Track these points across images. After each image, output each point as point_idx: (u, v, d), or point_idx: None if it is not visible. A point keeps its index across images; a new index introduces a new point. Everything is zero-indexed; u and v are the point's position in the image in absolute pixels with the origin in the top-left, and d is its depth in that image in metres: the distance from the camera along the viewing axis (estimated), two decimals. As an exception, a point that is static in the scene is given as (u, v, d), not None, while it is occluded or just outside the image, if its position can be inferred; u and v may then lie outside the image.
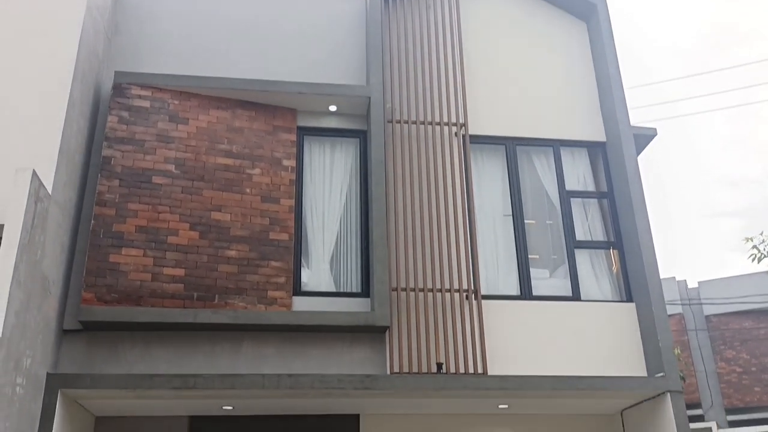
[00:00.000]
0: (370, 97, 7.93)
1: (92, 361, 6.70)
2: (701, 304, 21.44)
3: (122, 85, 7.34)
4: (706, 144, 66.26)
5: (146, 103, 7.32)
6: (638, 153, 8.89)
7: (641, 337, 7.76)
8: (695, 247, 62.07)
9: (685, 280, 23.05)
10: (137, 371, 6.68)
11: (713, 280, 22.46)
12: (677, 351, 19.19)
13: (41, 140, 6.26)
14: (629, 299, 8.02)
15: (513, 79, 8.84)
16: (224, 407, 7.42)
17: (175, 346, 6.86)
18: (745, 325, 21.74)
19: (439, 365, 7.16)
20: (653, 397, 7.46)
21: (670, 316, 21.63)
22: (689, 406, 19.79)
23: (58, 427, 6.30)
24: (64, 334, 6.72)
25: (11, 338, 5.47)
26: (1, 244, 5.52)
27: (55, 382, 6.34)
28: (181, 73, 7.74)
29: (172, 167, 7.19)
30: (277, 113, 7.80)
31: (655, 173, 60.51)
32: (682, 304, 21.56)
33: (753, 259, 13.24)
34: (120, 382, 6.49)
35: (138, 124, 7.24)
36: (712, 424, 20.02)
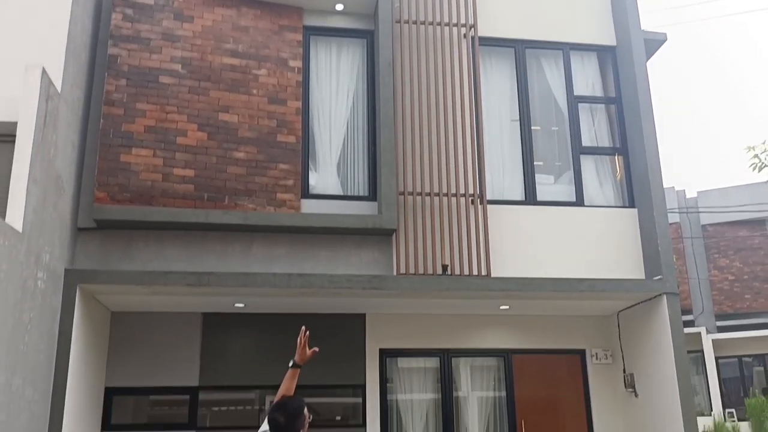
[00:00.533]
0: (378, -4, 7.76)
1: (107, 258, 6.90)
2: (698, 212, 21.72)
3: (125, -20, 7.16)
4: (718, 49, 64.80)
5: (150, 1, 7.16)
6: (648, 58, 8.78)
7: (641, 242, 7.96)
8: (700, 157, 61.96)
9: (684, 190, 23.29)
10: (151, 268, 6.88)
11: (711, 190, 22.68)
12: (673, 258, 19.69)
13: (48, 39, 6.19)
14: (631, 205, 8.16)
15: (524, -21, 8.63)
16: (236, 305, 7.70)
17: (188, 245, 7.04)
18: (740, 234, 22.13)
19: (444, 267, 7.37)
20: (650, 299, 7.74)
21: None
22: (681, 312, 20.52)
23: (77, 320, 6.56)
24: (78, 231, 6.88)
25: (31, 234, 5.63)
26: (16, 142, 5.57)
27: (73, 278, 6.56)
28: (184, -31, 7.54)
29: (178, 67, 7.12)
30: (282, 12, 7.64)
31: (665, 79, 59.56)
32: (680, 213, 21.85)
33: (754, 168, 13.35)
34: (135, 279, 6.70)
35: (143, 22, 7.12)
36: (702, 329, 20.74)
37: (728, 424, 5.16)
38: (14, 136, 5.73)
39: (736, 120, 64.88)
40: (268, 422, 3.79)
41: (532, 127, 8.37)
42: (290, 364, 4.37)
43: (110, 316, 7.81)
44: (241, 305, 7.73)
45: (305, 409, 3.89)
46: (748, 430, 5.96)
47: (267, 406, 8.11)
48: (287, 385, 4.28)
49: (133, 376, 7.71)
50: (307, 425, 3.84)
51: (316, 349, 4.38)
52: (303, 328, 4.37)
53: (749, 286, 21.82)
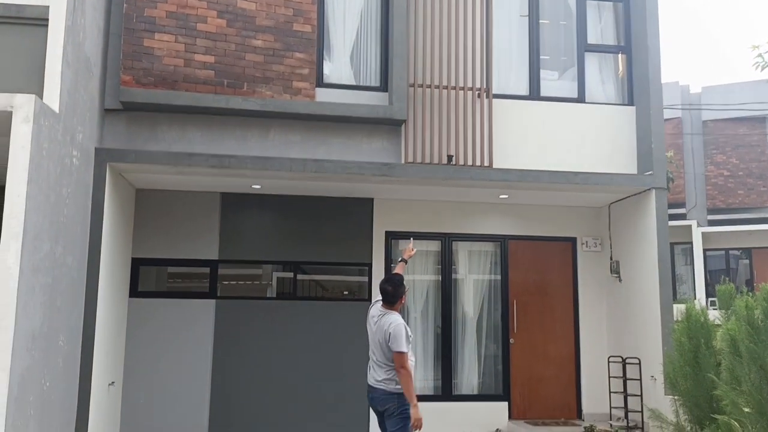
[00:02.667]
0: None
1: (133, 139, 7.32)
2: (700, 109, 21.83)
3: None
4: (738, -61, 61.95)
5: None
6: (661, -44, 8.81)
7: (636, 139, 8.37)
8: (708, 54, 60.78)
9: (688, 85, 23.20)
10: (176, 149, 7.32)
11: (716, 86, 22.61)
12: (671, 153, 20.05)
13: None
14: (630, 102, 8.51)
15: None
16: (253, 186, 8.22)
17: (209, 129, 7.44)
18: (740, 131, 22.31)
19: (450, 157, 7.82)
20: (639, 193, 8.26)
21: (669, 120, 22.23)
22: (674, 206, 21.13)
23: (107, 195, 7.09)
24: (106, 113, 7.26)
25: (66, 114, 6.03)
26: (49, 26, 5.84)
27: (103, 156, 7.02)
28: None
29: (198, -47, 7.23)
30: None
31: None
32: (682, 109, 21.95)
33: (757, 67, 13.44)
34: (161, 159, 7.17)
35: None
36: (693, 222, 21.42)
37: (698, 307, 5.75)
38: (45, 19, 5.99)
39: (744, 21, 63.06)
40: (380, 291, 5.58)
41: (541, 19, 8.54)
42: (399, 259, 6.33)
43: (135, 193, 8.36)
44: (258, 186, 8.25)
45: (404, 281, 5.64)
46: (716, 314, 6.62)
47: (275, 281, 8.85)
48: (397, 271, 6.05)
49: (158, 248, 8.37)
50: (405, 293, 5.62)
51: (416, 249, 6.46)
52: (411, 239, 6.53)
53: (743, 182, 22.21)
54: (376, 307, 5.61)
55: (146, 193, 8.40)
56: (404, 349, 5.24)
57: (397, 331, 5.27)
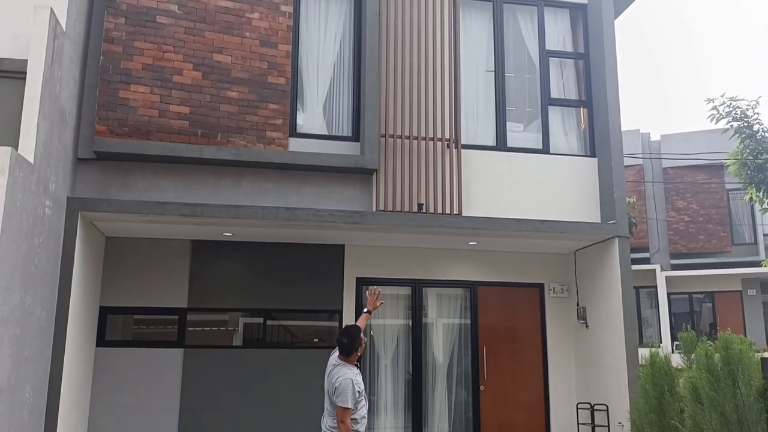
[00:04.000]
0: (367, -54, 8.05)
1: (106, 188, 7.35)
2: (660, 158, 22.53)
3: None
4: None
5: (148, -59, 7.38)
6: (618, 15, 9.29)
7: (599, 189, 8.67)
8: (667, 103, 62.96)
9: (649, 133, 23.99)
10: (148, 198, 7.36)
11: (675, 134, 23.43)
12: (633, 199, 20.59)
13: (52, -23, 6.43)
14: (593, 154, 8.83)
15: (504, -64, 8.98)
16: (224, 234, 8.27)
17: (182, 178, 7.51)
18: (699, 178, 23.04)
19: (420, 205, 8.00)
20: (603, 241, 8.52)
21: (631, 167, 22.84)
22: (638, 250, 21.63)
23: (78, 244, 7.07)
24: (79, 162, 7.30)
25: (40, 165, 6.08)
26: (27, 79, 5.93)
27: (75, 205, 7.03)
28: None
29: (175, 7, 7.42)
30: (275, -43, 7.91)
31: (648, 29, 59.72)
32: (643, 157, 22.64)
33: (712, 120, 14.10)
34: (134, 208, 7.20)
35: (141, -38, 7.35)
36: (656, 267, 21.90)
37: (661, 354, 5.90)
38: (23, 72, 6.08)
39: (703, 72, 65.71)
40: (336, 342, 5.66)
41: (506, 73, 8.87)
42: (364, 310, 6.31)
43: (105, 241, 8.34)
44: (229, 234, 8.30)
45: (361, 333, 5.68)
46: (679, 360, 6.81)
47: (241, 327, 8.81)
48: (360, 324, 6.07)
49: (126, 297, 8.31)
50: (363, 344, 5.66)
51: (383, 301, 6.44)
52: (375, 288, 6.37)
53: (704, 228, 22.83)
54: (334, 356, 5.70)
55: (116, 241, 8.39)
56: (347, 405, 5.32)
57: (344, 386, 5.37)
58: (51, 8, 5.99)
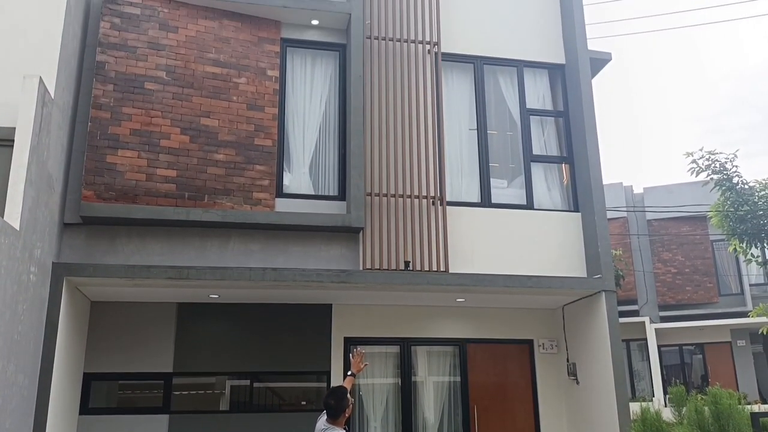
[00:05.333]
0: (350, 14, 8.33)
1: (92, 252, 7.33)
2: (644, 210, 22.79)
3: (113, -9, 7.56)
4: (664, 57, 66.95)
5: (137, 11, 7.58)
6: (595, 74, 9.57)
7: (584, 243, 8.74)
8: (651, 153, 64.16)
9: (632, 186, 24.32)
10: (134, 262, 7.35)
11: (657, 187, 23.76)
12: (619, 252, 20.73)
13: (42, 47, 6.57)
14: (576, 209, 8.94)
15: (484, 3, 9.31)
16: (211, 296, 8.23)
17: (169, 240, 7.51)
18: (683, 230, 23.27)
19: (407, 263, 8.03)
20: (590, 295, 8.55)
21: (615, 219, 22.96)
22: (626, 302, 21.64)
23: (62, 310, 7.00)
24: (65, 227, 7.30)
25: (26, 231, 6.07)
26: (14, 147, 5.98)
27: (60, 271, 6.99)
28: (169, -18, 7.96)
29: (163, 74, 7.57)
30: (262, 25, 8.14)
31: (625, 85, 61.40)
32: (627, 211, 22.89)
33: (692, 173, 14.39)
34: (119, 272, 7.17)
35: (130, 31, 7.54)
36: (646, 319, 21.89)
37: (654, 409, 5.84)
38: (10, 140, 6.14)
39: (680, 125, 67.38)
40: (323, 404, 5.52)
41: (489, 131, 9.05)
42: (348, 373, 6.27)
43: (90, 306, 8.26)
44: (215, 296, 8.26)
45: (348, 394, 5.60)
46: (670, 415, 6.75)
47: (228, 391, 8.67)
48: (344, 385, 6.00)
49: (110, 362, 8.18)
50: (350, 405, 5.57)
51: (368, 363, 6.45)
52: (359, 349, 6.39)
53: (690, 279, 22.93)
54: (322, 420, 5.60)
55: (101, 305, 8.31)
56: None
57: None
58: (40, 77, 6.10)
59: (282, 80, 8.31)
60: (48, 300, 6.89)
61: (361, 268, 7.92)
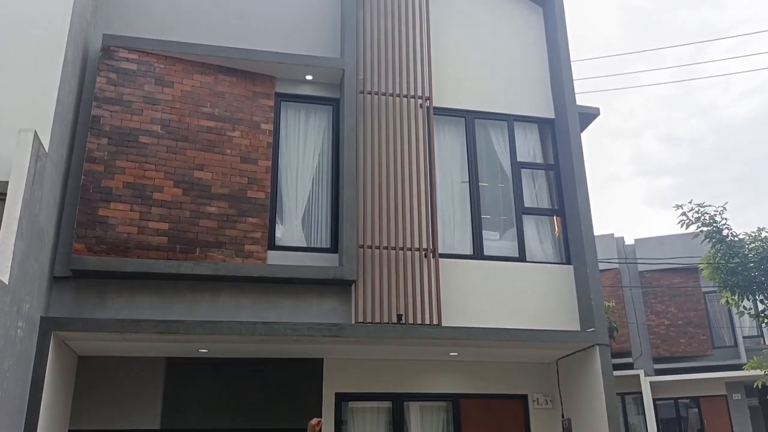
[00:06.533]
0: (344, 69, 8.48)
1: (81, 306, 7.25)
2: (636, 262, 22.85)
3: (111, 47, 7.69)
4: (651, 102, 68.28)
5: (133, 66, 7.71)
6: (584, 128, 9.73)
7: (577, 296, 8.73)
8: (635, 204, 64.71)
9: (623, 237, 24.43)
10: (123, 316, 7.25)
11: (648, 238, 23.88)
12: (612, 304, 20.68)
13: (38, 102, 6.64)
14: (568, 262, 8.96)
15: (475, 59, 9.53)
16: (200, 350, 8.10)
17: (159, 294, 7.45)
18: (675, 281, 23.30)
19: (399, 316, 7.97)
20: (584, 349, 8.48)
21: (608, 270, 23.01)
22: (621, 355, 21.47)
23: (49, 366, 6.86)
24: (54, 280, 7.23)
25: (15, 286, 6.00)
26: (6, 200, 5.97)
27: (48, 325, 6.88)
28: (165, 38, 8.12)
29: (158, 127, 7.64)
30: (256, 79, 8.28)
31: (610, 135, 62.41)
32: (619, 262, 22.94)
33: (682, 225, 14.50)
34: (108, 326, 7.06)
35: (126, 86, 7.64)
36: (640, 372, 21.66)
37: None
38: (2, 194, 6.14)
39: (671, 174, 68.28)
40: None
41: (480, 183, 9.12)
42: None
43: (77, 361, 8.11)
44: (205, 351, 8.13)
45: None
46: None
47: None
48: None
49: (97, 418, 7.95)
50: None
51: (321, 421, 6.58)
52: (318, 420, 6.42)
53: (684, 331, 22.86)
54: None
55: (89, 360, 8.14)
56: None
57: None
58: (35, 131, 6.13)
59: (276, 133, 8.40)
60: (35, 355, 6.76)
61: (353, 322, 7.85)
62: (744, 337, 22.41)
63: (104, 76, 7.58)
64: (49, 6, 7.04)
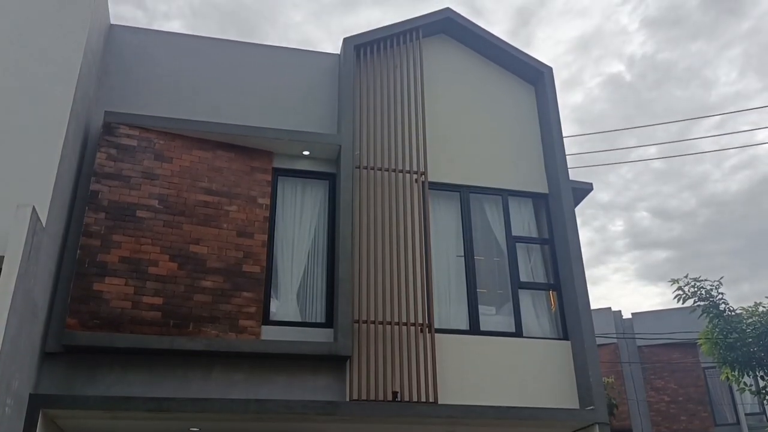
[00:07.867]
0: (340, 145, 8.66)
1: (71, 382, 7.11)
2: (634, 337, 22.66)
3: (112, 123, 7.85)
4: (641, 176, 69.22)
5: (133, 142, 7.85)
6: (578, 203, 9.86)
7: (575, 372, 8.60)
8: (631, 277, 64.59)
9: (620, 311, 24.33)
10: (113, 393, 7.11)
11: (645, 312, 23.79)
12: (611, 379, 20.35)
13: (38, 176, 6.71)
14: (565, 337, 8.88)
15: (469, 135, 9.74)
16: (191, 429, 7.90)
17: (151, 370, 7.33)
18: (674, 356, 23.04)
19: (395, 393, 7.82)
20: (584, 428, 8.29)
21: (606, 345, 22.77)
22: (622, 432, 20.97)
23: (36, 444, 6.69)
24: (45, 356, 7.12)
25: (5, 362, 5.89)
26: (1, 275, 5.95)
27: (37, 402, 6.74)
28: (165, 115, 8.31)
29: (155, 202, 7.71)
30: (254, 155, 8.42)
31: (608, 211, 63.03)
32: (617, 337, 22.74)
33: (678, 299, 14.46)
34: (98, 404, 6.92)
35: (125, 161, 7.76)
36: (642, 451, 21.15)
37: None
38: (-3, 267, 6.12)
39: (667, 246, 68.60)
40: None
41: (476, 257, 9.14)
42: None
43: (64, 439, 7.89)
44: (196, 429, 7.92)
45: None
46: None
47: None
48: None
49: (82, 501, 7.70)
50: None
51: None
52: None
53: (684, 408, 22.44)
54: None
55: (76, 438, 7.94)
56: None
57: None
58: (33, 206, 6.17)
59: (272, 208, 8.47)
60: (21, 434, 6.59)
61: (347, 399, 7.70)
62: (746, 414, 21.96)
63: (104, 152, 7.70)
64: (52, 83, 7.21)
